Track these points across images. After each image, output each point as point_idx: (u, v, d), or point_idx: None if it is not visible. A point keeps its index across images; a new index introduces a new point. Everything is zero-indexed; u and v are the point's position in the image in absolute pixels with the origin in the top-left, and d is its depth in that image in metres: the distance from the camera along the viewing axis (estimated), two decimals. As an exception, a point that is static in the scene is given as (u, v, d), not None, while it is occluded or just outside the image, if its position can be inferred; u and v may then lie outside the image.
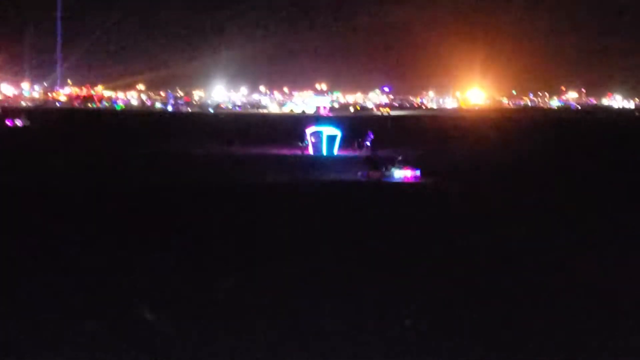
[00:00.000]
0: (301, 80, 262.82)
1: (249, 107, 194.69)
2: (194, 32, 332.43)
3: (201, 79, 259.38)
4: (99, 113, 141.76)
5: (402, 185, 36.62)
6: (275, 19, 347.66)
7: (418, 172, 39.13)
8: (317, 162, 49.70)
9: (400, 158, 40.38)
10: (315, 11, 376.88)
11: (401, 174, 38.87)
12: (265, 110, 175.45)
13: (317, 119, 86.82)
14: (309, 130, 57.69)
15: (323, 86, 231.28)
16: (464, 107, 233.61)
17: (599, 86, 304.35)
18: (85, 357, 11.88)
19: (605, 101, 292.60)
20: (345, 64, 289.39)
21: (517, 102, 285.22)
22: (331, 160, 51.64)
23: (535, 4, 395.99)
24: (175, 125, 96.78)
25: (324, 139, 56.16)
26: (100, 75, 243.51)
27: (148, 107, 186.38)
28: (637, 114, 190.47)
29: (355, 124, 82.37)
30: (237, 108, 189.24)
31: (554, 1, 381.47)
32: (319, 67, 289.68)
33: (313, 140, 56.58)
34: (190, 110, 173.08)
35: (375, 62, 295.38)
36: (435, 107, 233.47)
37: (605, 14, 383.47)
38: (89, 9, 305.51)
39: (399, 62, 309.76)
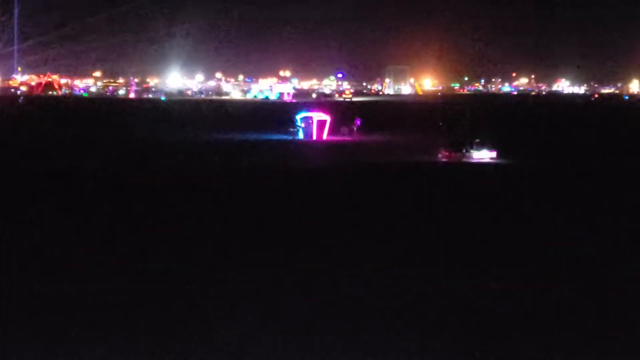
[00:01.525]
0: (256, 68, 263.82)
1: (211, 94, 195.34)
2: (149, 20, 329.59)
3: (156, 66, 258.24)
4: (75, 100, 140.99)
5: (485, 165, 39.98)
6: (228, 7, 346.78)
7: (495, 153, 42.68)
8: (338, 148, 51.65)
9: (478, 140, 43.56)
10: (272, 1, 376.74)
11: (480, 154, 42.53)
12: (227, 97, 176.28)
13: (306, 105, 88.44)
14: (300, 116, 59.63)
15: (287, 73, 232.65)
16: (420, 93, 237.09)
17: (548, 73, 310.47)
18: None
19: (555, 87, 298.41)
20: (300, 52, 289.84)
21: (469, 88, 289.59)
22: (334, 145, 53.54)
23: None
24: (160, 113, 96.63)
25: (314, 124, 58.18)
26: (52, 64, 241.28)
27: (110, 94, 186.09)
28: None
29: (339, 110, 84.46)
30: (199, 95, 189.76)
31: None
32: (274, 54, 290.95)
33: (303, 125, 58.50)
34: (151, 97, 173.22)
35: (329, 50, 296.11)
36: (392, 92, 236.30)
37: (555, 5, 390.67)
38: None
39: (354, 51, 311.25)
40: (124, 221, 22.20)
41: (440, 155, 42.91)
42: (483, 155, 42.21)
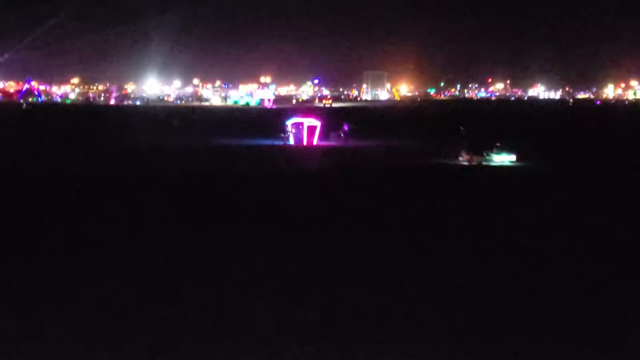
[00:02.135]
0: (233, 73, 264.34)
1: (191, 100, 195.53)
2: (125, 26, 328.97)
3: (132, 72, 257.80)
4: (63, 107, 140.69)
5: (505, 168, 40.88)
6: (205, 14, 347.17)
7: (514, 157, 43.71)
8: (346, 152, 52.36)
9: (498, 144, 44.41)
10: (248, 6, 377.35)
11: (500, 158, 43.54)
12: (207, 103, 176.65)
13: (288, 111, 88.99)
14: (290, 122, 60.18)
15: (267, 79, 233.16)
16: (398, 98, 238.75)
17: (523, 78, 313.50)
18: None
19: (531, 92, 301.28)
20: (276, 58, 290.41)
21: (446, 94, 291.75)
22: (329, 150, 54.14)
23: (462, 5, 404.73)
24: (150, 119, 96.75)
25: (304, 130, 58.75)
26: (28, 70, 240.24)
27: (92, 100, 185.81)
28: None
29: (325, 116, 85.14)
30: (178, 101, 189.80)
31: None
32: (250, 60, 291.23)
33: (294, 131, 59.04)
34: (131, 104, 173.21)
35: (305, 57, 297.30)
36: (369, 98, 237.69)
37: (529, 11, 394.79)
38: (17, 3, 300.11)
39: (330, 57, 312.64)
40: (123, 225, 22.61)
41: (461, 159, 43.83)
42: (503, 158, 43.27)
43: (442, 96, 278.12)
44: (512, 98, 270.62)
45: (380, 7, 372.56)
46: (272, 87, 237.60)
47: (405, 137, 63.32)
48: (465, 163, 42.88)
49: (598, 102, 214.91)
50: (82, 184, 32.21)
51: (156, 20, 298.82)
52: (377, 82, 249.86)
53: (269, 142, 59.28)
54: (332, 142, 58.89)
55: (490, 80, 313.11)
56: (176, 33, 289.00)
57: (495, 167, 41.53)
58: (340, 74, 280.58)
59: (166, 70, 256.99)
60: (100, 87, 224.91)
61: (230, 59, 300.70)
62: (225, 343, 12.30)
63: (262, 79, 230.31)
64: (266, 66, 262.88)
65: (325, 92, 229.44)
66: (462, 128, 47.51)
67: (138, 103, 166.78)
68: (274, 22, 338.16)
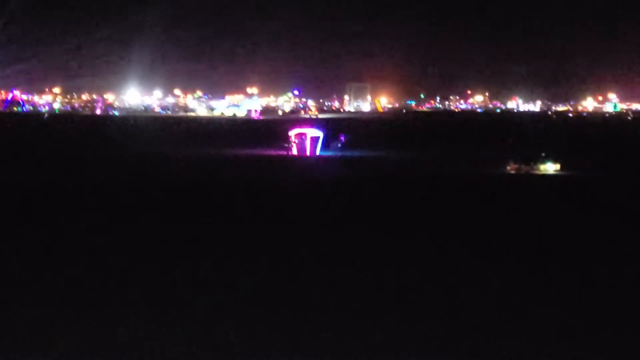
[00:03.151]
0: (213, 84, 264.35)
1: (177, 110, 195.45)
2: (106, 36, 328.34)
3: (114, 82, 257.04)
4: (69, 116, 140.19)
5: (554, 177, 42.97)
6: (185, 24, 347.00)
7: (558, 166, 45.65)
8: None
9: (544, 154, 46.59)
10: (227, 16, 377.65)
11: (546, 167, 45.63)
12: (193, 114, 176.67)
13: (276, 122, 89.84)
14: (293, 132, 61.28)
15: (254, 90, 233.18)
16: (380, 110, 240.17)
17: (501, 90, 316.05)
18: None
19: (510, 104, 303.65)
20: (258, 68, 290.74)
21: (427, 105, 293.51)
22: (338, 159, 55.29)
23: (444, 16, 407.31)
24: (146, 130, 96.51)
25: (308, 141, 59.89)
26: (8, 79, 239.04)
27: (80, 110, 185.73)
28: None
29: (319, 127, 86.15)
30: (163, 111, 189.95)
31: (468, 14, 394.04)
32: (232, 71, 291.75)
33: (297, 141, 60.14)
34: (117, 114, 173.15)
35: (286, 68, 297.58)
36: (352, 110, 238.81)
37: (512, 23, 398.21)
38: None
39: (310, 67, 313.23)
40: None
41: (508, 167, 45.39)
42: (548, 167, 45.14)
43: (424, 108, 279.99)
44: (498, 110, 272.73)
45: (360, 19, 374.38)
46: (255, 98, 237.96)
47: (416, 148, 64.68)
48: (513, 172, 44.60)
49: (585, 114, 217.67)
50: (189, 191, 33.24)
51: (136, 30, 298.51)
52: (359, 94, 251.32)
53: (273, 152, 60.26)
54: (333, 152, 59.79)
55: (469, 92, 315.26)
56: (156, 43, 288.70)
57: (544, 175, 43.48)
58: (320, 85, 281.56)
59: (146, 80, 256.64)
60: (84, 97, 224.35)
61: (210, 69, 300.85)
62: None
63: (249, 90, 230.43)
64: (246, 77, 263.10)
65: (311, 103, 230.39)
66: (509, 139, 49.55)
67: (116, 113, 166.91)
68: (253, 33, 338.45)
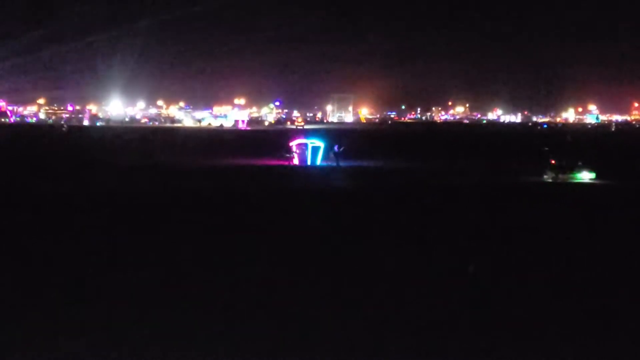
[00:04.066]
0: (195, 96, 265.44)
1: (164, 121, 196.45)
2: (90, 47, 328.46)
3: (95, 93, 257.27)
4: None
5: (592, 185, 43.97)
6: (168, 36, 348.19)
7: (594, 175, 47.10)
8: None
9: (580, 163, 47.91)
10: (208, 29, 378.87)
11: (582, 176, 46.91)
12: (179, 125, 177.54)
13: (265, 132, 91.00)
14: (294, 143, 62.25)
15: (241, 101, 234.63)
16: (363, 120, 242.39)
17: (481, 101, 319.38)
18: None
19: (491, 115, 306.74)
20: (240, 80, 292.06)
21: (409, 116, 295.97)
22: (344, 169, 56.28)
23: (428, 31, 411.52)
24: (143, 140, 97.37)
25: (309, 151, 60.89)
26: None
27: (66, 121, 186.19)
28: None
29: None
30: (150, 122, 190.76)
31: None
32: (214, 82, 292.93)
33: (298, 151, 61.12)
34: (104, 124, 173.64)
35: (269, 80, 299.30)
36: (335, 120, 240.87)
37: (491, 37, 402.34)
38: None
39: (291, 80, 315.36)
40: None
41: (545, 177, 46.96)
42: (584, 176, 46.65)
43: (406, 119, 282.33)
44: (484, 121, 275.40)
45: (341, 30, 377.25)
46: (237, 109, 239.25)
47: (429, 158, 66.30)
48: (550, 180, 46.01)
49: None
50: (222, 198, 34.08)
51: (119, 42, 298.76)
52: (342, 105, 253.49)
53: (275, 161, 61.16)
54: (331, 163, 60.53)
55: (450, 103, 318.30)
56: (139, 54, 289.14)
57: (582, 184, 44.52)
58: (300, 96, 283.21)
59: (129, 91, 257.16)
60: (70, 108, 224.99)
61: (192, 81, 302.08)
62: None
63: (236, 101, 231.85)
64: (229, 88, 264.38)
65: (296, 114, 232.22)
66: (546, 149, 50.97)
67: (101, 124, 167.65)
68: (234, 45, 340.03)
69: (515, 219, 29.25)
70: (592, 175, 46.98)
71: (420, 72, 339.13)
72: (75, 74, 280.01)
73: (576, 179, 46.30)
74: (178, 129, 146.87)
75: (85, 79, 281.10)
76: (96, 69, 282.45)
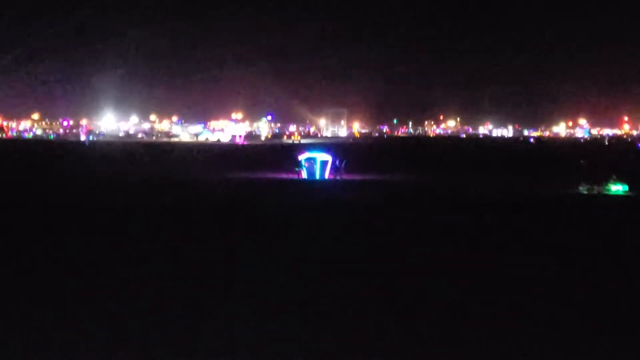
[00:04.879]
0: (188, 110, 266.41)
1: (160, 135, 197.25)
2: (80, 60, 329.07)
3: (86, 108, 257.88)
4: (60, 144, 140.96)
5: (626, 197, 45.00)
6: (160, 50, 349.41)
7: (627, 187, 48.54)
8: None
9: (614, 176, 49.21)
10: (199, 42, 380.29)
11: (615, 188, 48.32)
12: (177, 139, 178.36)
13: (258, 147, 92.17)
14: (303, 156, 63.60)
15: (239, 115, 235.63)
16: (357, 135, 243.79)
17: (474, 116, 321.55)
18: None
19: (482, 129, 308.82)
20: (232, 95, 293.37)
21: (402, 130, 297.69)
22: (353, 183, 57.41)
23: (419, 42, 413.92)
24: (156, 155, 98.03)
25: (317, 165, 62.27)
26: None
27: (64, 136, 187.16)
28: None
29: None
30: (150, 137, 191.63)
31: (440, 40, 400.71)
32: (208, 97, 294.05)
33: (307, 165, 62.46)
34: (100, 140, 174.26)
35: (261, 93, 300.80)
36: (329, 135, 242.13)
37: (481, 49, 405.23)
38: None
39: (282, 94, 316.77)
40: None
41: (581, 188, 48.47)
42: (618, 188, 48.15)
43: (399, 133, 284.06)
44: (481, 135, 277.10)
45: (332, 45, 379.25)
46: (233, 123, 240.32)
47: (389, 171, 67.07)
48: (585, 192, 47.37)
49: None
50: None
51: (111, 58, 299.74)
52: (336, 119, 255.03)
53: (284, 175, 62.45)
54: (338, 176, 61.76)
55: (442, 117, 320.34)
56: (131, 69, 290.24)
57: (616, 196, 45.67)
58: (292, 111, 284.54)
59: (120, 106, 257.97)
60: (65, 123, 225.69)
61: (184, 95, 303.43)
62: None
63: (234, 115, 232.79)
64: (223, 103, 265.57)
65: (292, 128, 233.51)
66: (582, 161, 52.30)
67: (94, 139, 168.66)
68: (227, 59, 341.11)
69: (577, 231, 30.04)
70: (625, 187, 48.50)
71: (412, 87, 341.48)
72: (67, 88, 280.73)
73: (610, 192, 47.58)
74: (179, 143, 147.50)
75: (76, 93, 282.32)
76: (88, 83, 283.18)
